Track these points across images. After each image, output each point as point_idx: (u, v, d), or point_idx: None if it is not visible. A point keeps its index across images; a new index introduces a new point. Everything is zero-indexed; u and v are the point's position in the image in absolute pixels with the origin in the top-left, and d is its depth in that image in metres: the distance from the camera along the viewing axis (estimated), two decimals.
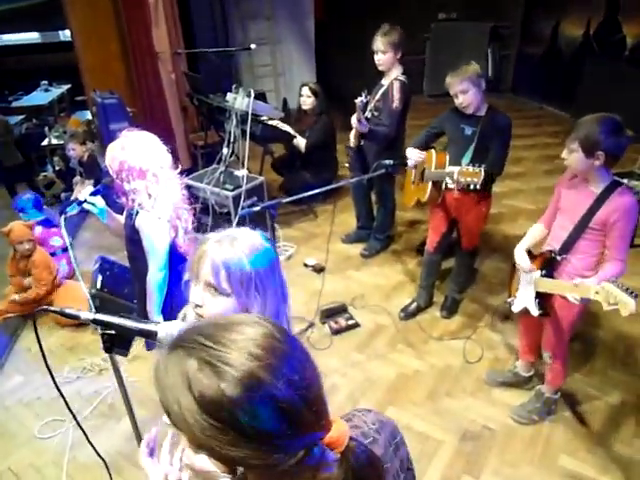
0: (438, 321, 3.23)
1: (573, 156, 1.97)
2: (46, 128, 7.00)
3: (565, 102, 6.63)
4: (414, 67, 6.20)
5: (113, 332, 0.99)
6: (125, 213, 2.14)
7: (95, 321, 1.00)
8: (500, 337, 3.06)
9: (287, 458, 0.63)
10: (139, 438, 1.26)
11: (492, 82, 8.02)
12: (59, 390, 1.21)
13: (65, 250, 3.92)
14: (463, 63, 2.63)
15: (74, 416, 1.24)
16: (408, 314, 3.25)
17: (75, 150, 4.55)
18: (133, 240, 2.09)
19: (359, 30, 4.52)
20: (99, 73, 4.37)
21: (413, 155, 2.85)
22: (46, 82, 9.15)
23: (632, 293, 1.75)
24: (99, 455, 1.24)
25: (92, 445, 1.20)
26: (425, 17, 7.64)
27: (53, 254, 3.73)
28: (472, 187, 2.44)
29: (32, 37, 10.19)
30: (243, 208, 3.20)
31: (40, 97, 8.72)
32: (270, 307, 1.15)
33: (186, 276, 1.17)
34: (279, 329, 0.70)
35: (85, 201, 2.06)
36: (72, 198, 4.22)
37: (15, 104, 8.61)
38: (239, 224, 3.53)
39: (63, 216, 2.18)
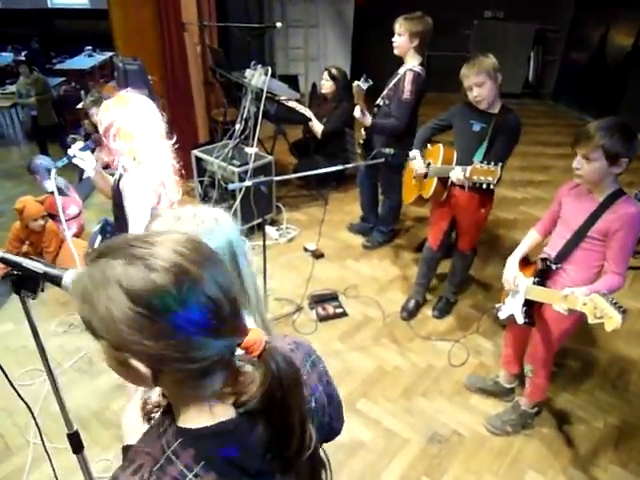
0: (428, 320, 3.15)
1: (592, 165, 1.84)
2: (82, 92, 7.18)
3: (605, 114, 6.28)
4: (456, 64, 6.01)
5: (20, 273, 0.99)
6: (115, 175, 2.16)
7: (2, 260, 1.00)
8: (490, 344, 2.96)
9: (206, 357, 0.66)
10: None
11: (532, 87, 7.78)
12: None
13: (76, 217, 3.99)
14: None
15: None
16: (410, 312, 3.15)
17: (96, 115, 4.60)
18: (117, 202, 2.10)
19: None
20: (132, 40, 4.39)
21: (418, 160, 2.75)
22: (90, 48, 9.37)
23: (620, 308, 1.65)
24: (21, 397, 1.28)
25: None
26: (471, 14, 7.43)
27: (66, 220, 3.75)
28: (485, 186, 2.30)
29: (82, 2, 10.42)
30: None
31: (82, 61, 8.94)
32: None
33: None
34: (203, 242, 0.71)
35: (74, 156, 2.11)
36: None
37: (58, 66, 8.85)
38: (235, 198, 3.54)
39: (54, 169, 2.24)
